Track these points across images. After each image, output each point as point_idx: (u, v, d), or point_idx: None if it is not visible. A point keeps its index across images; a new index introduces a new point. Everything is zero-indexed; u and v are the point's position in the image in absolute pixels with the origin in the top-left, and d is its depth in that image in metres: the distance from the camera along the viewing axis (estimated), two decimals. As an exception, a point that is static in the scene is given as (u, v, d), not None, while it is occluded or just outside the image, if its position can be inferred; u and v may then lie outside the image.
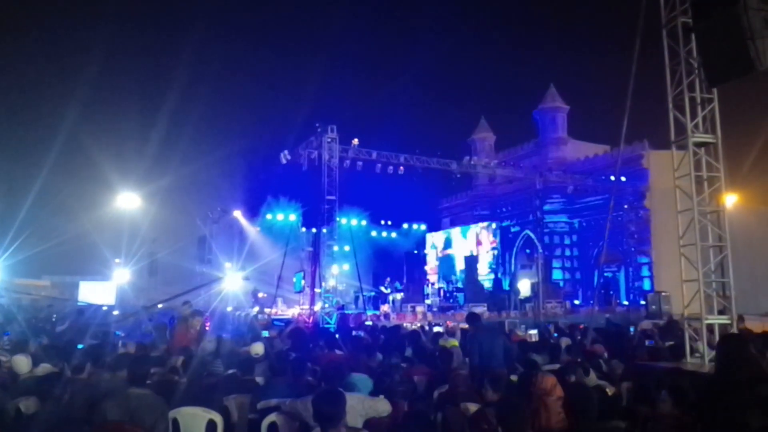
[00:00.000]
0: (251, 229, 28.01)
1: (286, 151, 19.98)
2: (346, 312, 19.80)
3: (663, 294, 18.24)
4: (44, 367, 6.23)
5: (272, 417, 4.96)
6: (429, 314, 20.90)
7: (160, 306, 10.19)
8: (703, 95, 7.24)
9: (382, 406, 4.83)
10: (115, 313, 17.58)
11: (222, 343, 8.48)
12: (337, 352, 8.41)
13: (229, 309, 21.27)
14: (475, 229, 31.34)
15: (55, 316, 16.43)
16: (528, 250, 29.22)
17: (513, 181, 29.22)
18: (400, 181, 21.36)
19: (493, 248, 30.18)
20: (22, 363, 6.07)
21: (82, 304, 21.23)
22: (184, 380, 6.05)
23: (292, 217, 26.62)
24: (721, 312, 7.30)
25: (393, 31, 70.16)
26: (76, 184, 30.22)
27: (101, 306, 20.23)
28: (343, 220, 25.63)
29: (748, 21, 5.84)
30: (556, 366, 6.72)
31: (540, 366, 6.72)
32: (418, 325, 16.39)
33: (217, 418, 4.90)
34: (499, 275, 29.02)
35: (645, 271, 25.18)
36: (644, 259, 25.11)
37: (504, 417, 3.98)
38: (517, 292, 23.98)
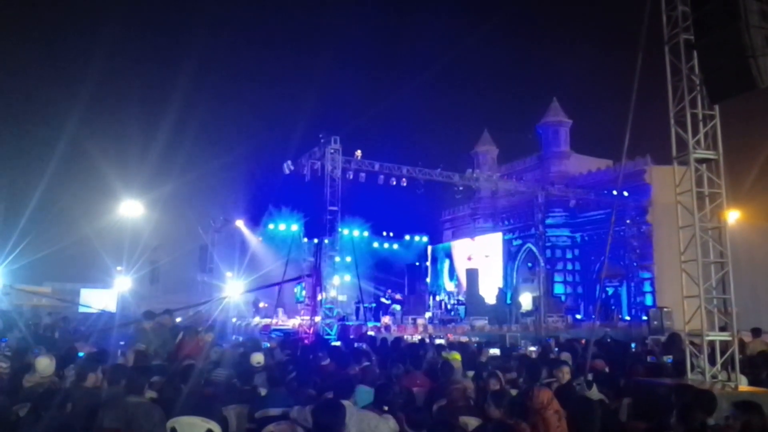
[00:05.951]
0: (253, 239, 28.02)
1: (289, 162, 20.08)
2: (347, 323, 19.75)
3: (665, 310, 18.17)
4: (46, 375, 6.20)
5: (270, 428, 4.96)
6: (430, 327, 20.83)
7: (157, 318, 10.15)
8: (705, 111, 7.26)
9: (389, 427, 4.65)
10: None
11: (224, 353, 8.48)
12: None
13: (234, 320, 21.27)
14: (479, 241, 31.11)
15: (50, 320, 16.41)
16: (530, 264, 29.15)
17: (515, 195, 29.26)
18: (403, 192, 21.43)
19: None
20: (44, 364, 5.97)
21: (84, 309, 21.21)
22: (185, 389, 6.03)
23: (294, 228, 26.64)
24: (722, 328, 7.27)
25: (397, 43, 70.59)
26: (78, 191, 30.22)
27: (102, 313, 20.21)
28: (345, 231, 25.63)
29: (750, 39, 5.90)
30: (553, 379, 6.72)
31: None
32: (419, 337, 16.31)
33: (216, 428, 4.89)
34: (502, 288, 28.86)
35: (647, 287, 25.08)
36: (646, 275, 25.02)
37: None
38: (519, 306, 23.87)
